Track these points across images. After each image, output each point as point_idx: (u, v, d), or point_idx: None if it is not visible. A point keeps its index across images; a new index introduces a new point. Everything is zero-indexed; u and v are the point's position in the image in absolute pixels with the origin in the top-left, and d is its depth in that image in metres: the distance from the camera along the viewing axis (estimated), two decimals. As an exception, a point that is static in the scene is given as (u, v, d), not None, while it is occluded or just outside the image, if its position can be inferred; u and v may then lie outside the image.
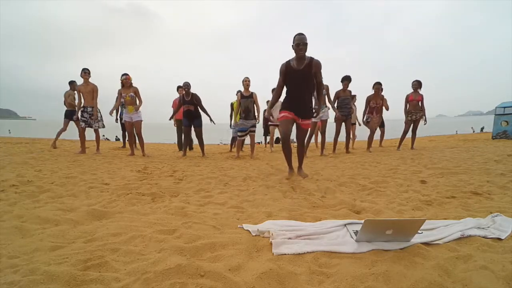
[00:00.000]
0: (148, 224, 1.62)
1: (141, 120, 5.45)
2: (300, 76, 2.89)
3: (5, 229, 1.48)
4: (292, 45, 2.86)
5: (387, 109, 6.64)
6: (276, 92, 3.12)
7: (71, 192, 2.40)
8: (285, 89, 3.18)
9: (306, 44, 2.80)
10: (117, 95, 5.55)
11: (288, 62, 2.94)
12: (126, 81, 5.22)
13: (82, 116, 5.29)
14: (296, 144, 3.21)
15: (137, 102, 5.33)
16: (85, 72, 5.14)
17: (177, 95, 6.92)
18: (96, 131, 5.53)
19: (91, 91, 5.23)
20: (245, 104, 5.32)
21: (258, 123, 5.57)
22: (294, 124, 3.09)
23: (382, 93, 6.34)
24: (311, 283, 1.03)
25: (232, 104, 7.01)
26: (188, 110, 5.41)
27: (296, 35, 2.85)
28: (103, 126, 5.52)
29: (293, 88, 2.97)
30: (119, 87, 5.36)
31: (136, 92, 5.30)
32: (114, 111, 6.18)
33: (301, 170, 3.22)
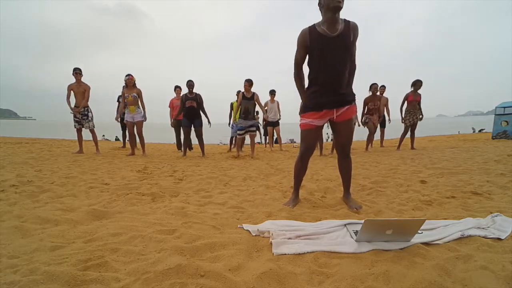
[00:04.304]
0: (148, 224, 1.62)
1: (143, 120, 5.48)
2: (335, 45, 1.79)
3: (5, 229, 1.48)
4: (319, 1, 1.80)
5: (388, 112, 6.65)
6: (297, 76, 1.98)
7: (71, 192, 2.40)
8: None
9: None
10: (121, 96, 5.58)
11: (312, 28, 1.83)
12: (129, 81, 5.27)
13: (74, 116, 5.29)
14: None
15: (139, 104, 5.37)
16: (77, 72, 5.13)
17: (173, 95, 6.94)
18: (92, 132, 5.54)
19: (83, 91, 5.25)
20: (245, 105, 5.42)
21: (260, 124, 5.65)
22: (323, 128, 2.15)
23: (384, 95, 6.37)
24: (311, 283, 1.03)
25: (231, 104, 7.07)
26: (191, 106, 5.43)
27: None
28: (94, 126, 5.51)
29: (324, 69, 1.84)
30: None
31: (139, 94, 5.36)
32: (119, 111, 6.23)
33: (349, 197, 2.07)
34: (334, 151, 5.95)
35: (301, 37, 1.87)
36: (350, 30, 1.81)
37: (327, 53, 1.82)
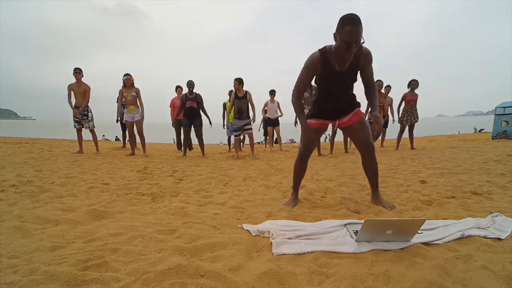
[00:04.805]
0: (148, 224, 1.62)
1: (142, 119, 5.48)
2: (342, 79, 1.85)
3: (5, 229, 1.48)
4: (336, 35, 1.68)
5: (392, 112, 6.65)
6: (297, 100, 1.94)
7: (71, 192, 2.40)
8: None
9: (360, 43, 1.66)
10: (118, 95, 5.58)
11: (324, 57, 1.78)
12: (127, 81, 5.27)
13: (74, 116, 5.30)
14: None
15: (138, 103, 5.37)
16: (77, 72, 5.14)
17: (174, 95, 6.95)
18: (92, 132, 5.55)
19: (84, 91, 5.26)
20: (238, 105, 5.32)
21: (253, 122, 5.55)
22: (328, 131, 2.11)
23: (390, 95, 6.38)
24: (311, 283, 1.03)
25: (224, 104, 7.05)
26: (191, 107, 5.42)
27: (346, 19, 1.61)
28: (94, 126, 5.52)
29: (328, 96, 1.94)
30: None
31: (138, 93, 5.36)
32: (118, 112, 6.24)
33: (380, 197, 2.03)
34: (333, 151, 6.01)
35: (312, 61, 1.81)
36: (361, 59, 1.79)
37: (334, 85, 1.88)
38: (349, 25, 1.59)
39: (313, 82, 5.53)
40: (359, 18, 1.60)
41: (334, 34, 1.70)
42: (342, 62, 1.77)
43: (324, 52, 1.79)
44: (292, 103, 1.96)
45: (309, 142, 2.05)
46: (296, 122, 5.71)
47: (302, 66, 1.89)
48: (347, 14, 1.63)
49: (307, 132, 2.00)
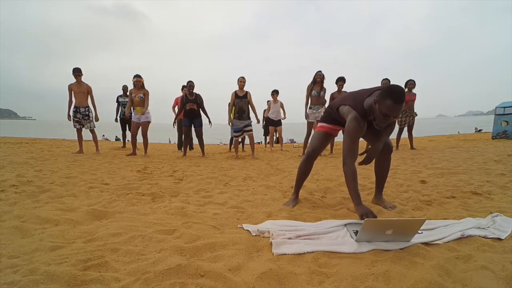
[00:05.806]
0: (148, 224, 1.62)
1: (149, 121, 5.51)
2: (376, 133, 1.86)
3: (5, 229, 1.48)
4: (376, 101, 1.59)
5: None
6: (354, 174, 1.68)
7: (71, 192, 2.39)
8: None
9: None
10: (128, 95, 5.59)
11: (364, 115, 1.71)
12: (137, 83, 5.29)
13: (75, 116, 5.30)
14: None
15: (145, 103, 5.38)
16: (76, 72, 5.16)
17: (178, 94, 6.96)
18: (93, 132, 5.56)
19: (85, 92, 5.27)
20: (239, 104, 5.30)
21: (258, 123, 5.49)
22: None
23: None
24: (311, 283, 1.03)
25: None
26: (191, 109, 5.43)
27: (391, 92, 1.53)
28: (94, 126, 5.52)
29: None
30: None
31: (146, 95, 5.38)
32: (125, 110, 6.24)
33: (382, 198, 2.04)
34: (333, 151, 5.99)
35: (360, 129, 1.71)
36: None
37: (365, 134, 1.86)
38: (392, 100, 1.51)
39: (325, 85, 5.38)
40: (403, 94, 1.54)
41: (375, 100, 1.62)
42: (379, 124, 1.69)
43: (364, 116, 1.71)
44: (348, 177, 1.68)
45: (319, 146, 2.06)
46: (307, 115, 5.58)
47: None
48: (394, 87, 1.55)
49: (318, 135, 2.04)
